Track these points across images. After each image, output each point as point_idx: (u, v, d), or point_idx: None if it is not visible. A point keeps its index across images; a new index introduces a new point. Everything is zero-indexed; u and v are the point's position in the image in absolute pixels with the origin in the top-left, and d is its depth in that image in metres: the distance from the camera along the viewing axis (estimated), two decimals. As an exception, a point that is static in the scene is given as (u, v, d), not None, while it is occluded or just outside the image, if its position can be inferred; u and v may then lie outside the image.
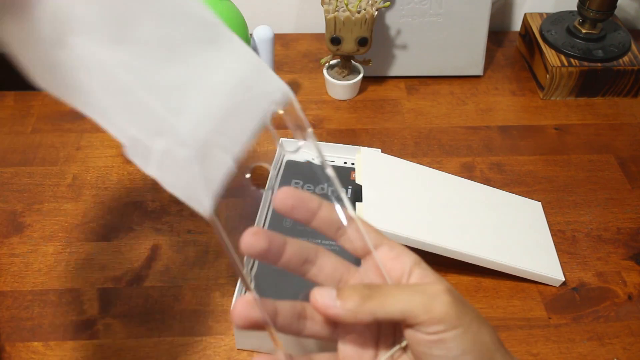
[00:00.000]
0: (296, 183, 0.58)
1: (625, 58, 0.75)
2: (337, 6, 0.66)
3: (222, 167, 0.27)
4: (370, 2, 0.66)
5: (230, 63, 0.28)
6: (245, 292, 0.31)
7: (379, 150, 0.60)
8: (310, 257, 0.32)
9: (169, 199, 0.62)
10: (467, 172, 0.66)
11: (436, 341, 0.28)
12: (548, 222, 0.60)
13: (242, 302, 0.29)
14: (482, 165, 0.67)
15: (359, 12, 0.65)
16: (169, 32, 0.27)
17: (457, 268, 0.55)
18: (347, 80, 0.73)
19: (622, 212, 0.62)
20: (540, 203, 0.62)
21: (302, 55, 0.82)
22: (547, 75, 0.74)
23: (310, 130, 0.29)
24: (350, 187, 0.58)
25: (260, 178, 0.58)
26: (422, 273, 0.31)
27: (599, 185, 0.65)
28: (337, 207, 0.31)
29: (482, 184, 0.62)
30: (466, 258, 0.53)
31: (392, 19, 0.73)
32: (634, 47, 0.76)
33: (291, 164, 0.60)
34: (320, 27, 0.73)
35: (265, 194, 0.57)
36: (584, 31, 0.75)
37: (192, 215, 0.60)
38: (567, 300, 0.55)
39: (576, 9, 0.76)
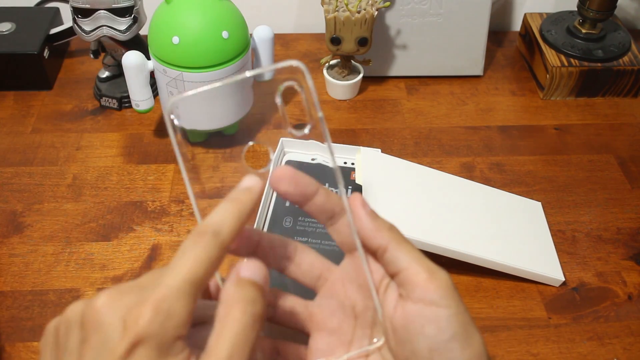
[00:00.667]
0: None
1: (625, 58, 0.75)
2: (337, 6, 0.66)
3: None
4: (370, 2, 0.66)
5: None
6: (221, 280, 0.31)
7: (379, 150, 0.60)
8: (288, 253, 0.33)
9: (169, 199, 0.62)
10: (467, 172, 0.66)
11: (431, 318, 0.28)
12: (548, 222, 0.60)
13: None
14: (482, 165, 0.67)
15: (359, 12, 0.65)
16: None
17: (457, 268, 0.55)
18: (347, 80, 0.73)
19: (622, 212, 0.62)
20: (540, 203, 0.62)
21: (302, 55, 0.82)
22: (547, 75, 0.74)
23: (321, 114, 0.29)
24: (350, 187, 0.58)
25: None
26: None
27: (599, 185, 0.65)
28: (343, 197, 0.31)
29: (482, 184, 0.62)
30: (466, 258, 0.53)
31: (392, 19, 0.73)
32: (634, 47, 0.76)
33: (291, 164, 0.60)
34: (320, 27, 0.73)
35: (265, 194, 0.57)
36: (584, 31, 0.75)
37: (192, 215, 0.60)
38: (567, 300, 0.55)
39: (576, 9, 0.76)
